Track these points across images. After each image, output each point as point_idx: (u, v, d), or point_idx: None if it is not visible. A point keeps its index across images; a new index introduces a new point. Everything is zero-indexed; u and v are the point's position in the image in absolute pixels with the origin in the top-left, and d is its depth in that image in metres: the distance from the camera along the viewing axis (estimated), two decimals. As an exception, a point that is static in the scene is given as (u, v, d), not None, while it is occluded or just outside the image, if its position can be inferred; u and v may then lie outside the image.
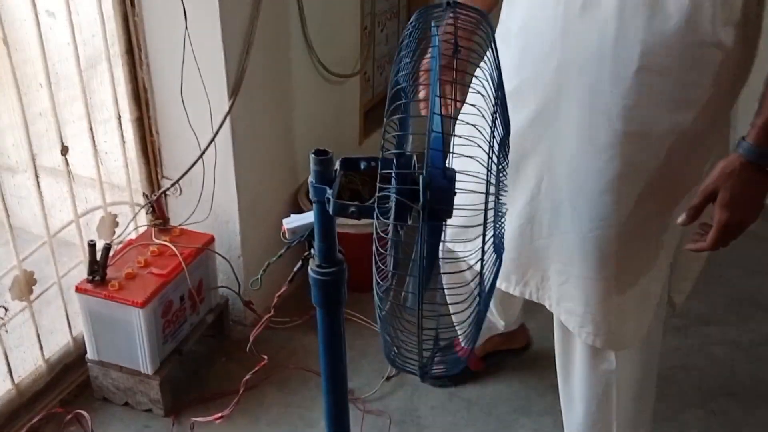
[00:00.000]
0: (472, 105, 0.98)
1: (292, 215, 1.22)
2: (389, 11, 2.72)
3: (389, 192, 0.98)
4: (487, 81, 1.03)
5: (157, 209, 1.96)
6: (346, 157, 1.17)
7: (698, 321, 2.22)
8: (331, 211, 1.10)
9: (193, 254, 1.92)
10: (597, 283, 1.39)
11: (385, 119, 1.06)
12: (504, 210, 1.03)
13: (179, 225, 1.99)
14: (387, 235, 1.13)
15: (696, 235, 1.27)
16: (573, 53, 1.28)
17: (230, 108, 1.86)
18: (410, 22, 1.13)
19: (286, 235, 1.20)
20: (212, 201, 1.98)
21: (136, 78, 1.91)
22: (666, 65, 1.22)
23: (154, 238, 1.94)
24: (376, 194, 0.98)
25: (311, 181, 1.14)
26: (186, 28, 1.75)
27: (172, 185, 1.91)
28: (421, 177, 0.91)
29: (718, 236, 1.21)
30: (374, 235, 1.01)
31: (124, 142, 1.95)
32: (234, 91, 1.86)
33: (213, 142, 1.88)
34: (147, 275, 1.83)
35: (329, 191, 1.11)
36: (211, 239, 1.99)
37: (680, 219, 1.25)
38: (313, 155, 1.12)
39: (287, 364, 2.04)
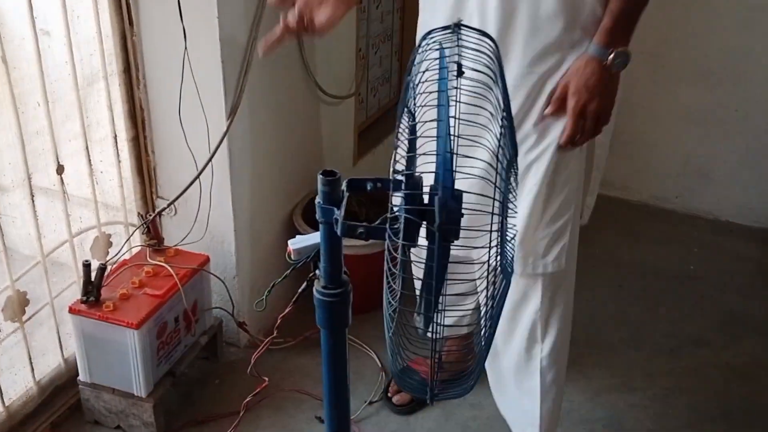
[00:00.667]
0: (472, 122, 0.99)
1: (297, 236, 1.21)
2: (383, 33, 2.74)
3: (398, 212, 0.98)
4: (491, 103, 1.04)
5: (152, 229, 1.94)
6: (352, 178, 1.16)
7: (691, 343, 2.23)
8: (339, 232, 1.09)
9: (189, 275, 1.90)
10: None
11: (395, 140, 1.06)
12: (513, 234, 1.03)
13: (174, 245, 1.97)
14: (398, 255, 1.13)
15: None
16: None
17: (228, 128, 1.85)
18: (418, 45, 1.14)
19: (292, 256, 1.19)
20: (208, 221, 1.97)
21: (132, 97, 1.90)
22: None
23: (148, 259, 1.92)
24: (387, 215, 0.98)
25: (318, 202, 1.13)
26: (185, 48, 1.75)
27: (169, 205, 1.89)
28: (436, 198, 0.90)
29: (574, 120, 1.43)
30: (386, 255, 1.01)
31: (119, 161, 1.93)
32: (232, 111, 1.85)
33: (210, 162, 1.87)
34: (142, 296, 1.81)
35: (337, 212, 1.11)
36: (207, 260, 1.97)
37: (547, 110, 1.45)
38: (321, 176, 1.12)
39: (283, 386, 2.02)
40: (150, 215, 1.93)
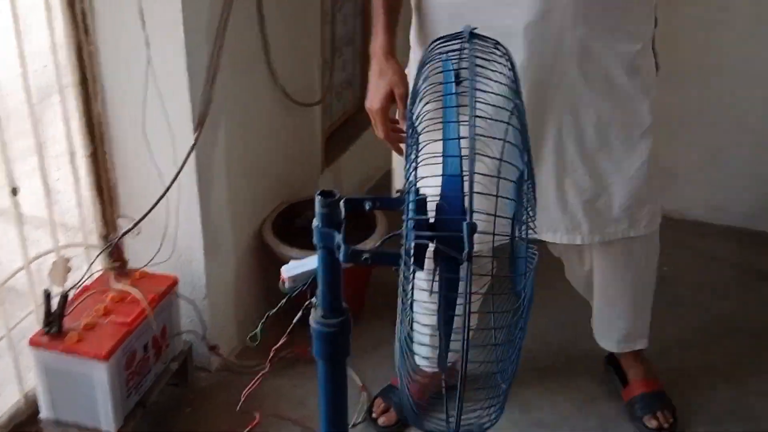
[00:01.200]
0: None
1: (291, 261, 1.12)
2: (346, 37, 2.65)
3: (413, 238, 0.90)
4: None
5: (115, 251, 1.81)
6: (349, 198, 1.07)
7: (676, 345, 2.20)
8: (342, 258, 1.00)
9: (157, 299, 1.78)
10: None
11: (405, 159, 0.98)
12: (534, 258, 0.96)
13: (140, 268, 1.85)
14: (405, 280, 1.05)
15: None
16: None
17: (196, 140, 1.74)
18: (424, 56, 1.06)
19: (286, 285, 1.10)
20: (175, 240, 1.85)
21: (90, 111, 1.77)
22: None
23: (112, 283, 1.80)
24: (407, 244, 0.89)
25: (317, 225, 1.04)
26: (149, 57, 1.64)
27: (136, 224, 1.77)
28: (465, 225, 0.82)
29: None
30: (400, 285, 0.92)
31: (77, 179, 1.80)
32: (200, 123, 1.74)
33: (177, 177, 1.76)
34: (108, 325, 1.69)
35: (338, 236, 1.02)
36: (175, 281, 1.85)
37: None
38: (319, 197, 1.03)
39: (259, 411, 1.92)
40: (113, 236, 1.81)
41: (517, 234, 0.97)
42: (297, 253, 1.99)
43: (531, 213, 0.97)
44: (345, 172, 2.68)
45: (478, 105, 0.89)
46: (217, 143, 1.85)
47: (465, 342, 0.82)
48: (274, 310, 1.14)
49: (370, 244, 1.99)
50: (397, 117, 1.51)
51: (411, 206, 0.95)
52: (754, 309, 2.37)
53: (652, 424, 1.85)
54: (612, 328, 1.92)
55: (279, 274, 2.23)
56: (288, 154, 2.25)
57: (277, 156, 2.18)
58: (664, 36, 2.62)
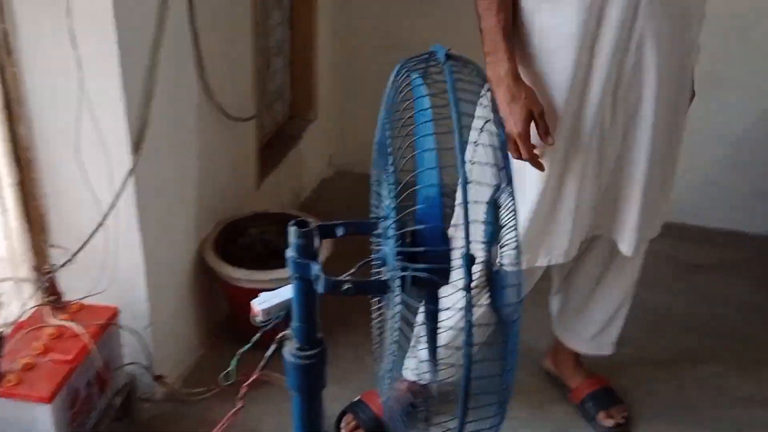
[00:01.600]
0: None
1: (261, 294, 1.07)
2: (276, 47, 2.60)
3: (409, 270, 0.87)
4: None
5: (49, 284, 1.71)
6: (321, 224, 1.04)
7: (618, 342, 2.25)
8: (321, 290, 0.97)
9: (98, 332, 1.69)
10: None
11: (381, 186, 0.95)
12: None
13: (78, 299, 1.75)
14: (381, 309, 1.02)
15: None
16: None
17: (135, 164, 1.66)
18: (394, 74, 1.03)
19: (259, 318, 1.05)
20: (114, 268, 1.76)
21: (15, 136, 1.66)
22: None
23: (49, 319, 1.69)
24: (404, 272, 0.86)
25: (291, 256, 1.00)
26: (81, 79, 1.55)
27: (75, 254, 1.67)
28: (464, 256, 0.80)
29: None
30: (395, 309, 0.90)
31: (5, 209, 1.69)
32: (137, 145, 1.66)
33: (116, 203, 1.67)
34: (48, 363, 1.59)
35: (315, 267, 0.98)
36: (116, 312, 1.76)
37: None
38: (294, 227, 0.99)
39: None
40: (46, 268, 1.70)
41: (498, 258, 0.96)
42: (243, 273, 1.93)
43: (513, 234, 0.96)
44: (282, 187, 2.63)
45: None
46: (156, 165, 1.77)
47: (468, 359, 0.80)
48: (247, 347, 1.09)
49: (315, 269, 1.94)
50: (534, 134, 1.47)
51: (393, 234, 0.93)
52: (689, 301, 2.46)
53: (609, 423, 1.89)
54: (589, 328, 1.93)
55: (224, 294, 2.16)
56: (223, 171, 2.18)
57: (213, 173, 2.11)
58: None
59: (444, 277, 0.93)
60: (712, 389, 2.10)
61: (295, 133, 2.75)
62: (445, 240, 0.93)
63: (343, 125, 3.06)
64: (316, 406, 1.11)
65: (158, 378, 1.88)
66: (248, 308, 2.07)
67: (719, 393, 2.09)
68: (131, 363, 1.85)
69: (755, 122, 2.68)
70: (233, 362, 1.09)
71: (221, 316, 2.22)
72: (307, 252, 0.99)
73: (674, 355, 2.24)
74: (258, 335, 1.07)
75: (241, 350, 1.09)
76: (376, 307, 1.17)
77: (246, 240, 2.04)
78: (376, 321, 1.12)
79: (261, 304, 1.06)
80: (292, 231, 0.99)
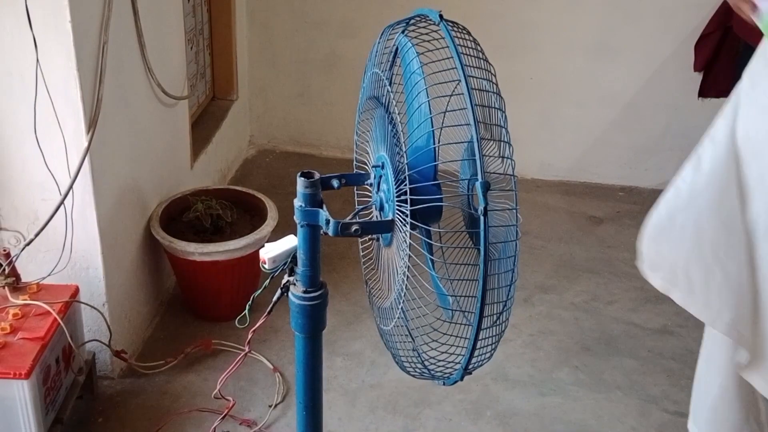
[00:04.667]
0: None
1: (266, 244, 1.17)
2: (195, 28, 2.63)
3: (408, 205, 1.00)
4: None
5: (8, 267, 1.71)
6: (321, 177, 1.15)
7: (539, 290, 2.47)
8: (332, 232, 1.08)
9: (63, 309, 1.71)
10: None
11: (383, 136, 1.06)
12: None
13: (36, 280, 1.76)
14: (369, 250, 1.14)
15: None
16: None
17: (90, 142, 1.69)
18: (380, 36, 1.15)
19: (266, 265, 1.15)
20: (71, 247, 1.78)
21: (-36, 120, 1.66)
22: None
23: (11, 299, 1.70)
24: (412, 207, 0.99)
25: (300, 206, 1.11)
26: (37, 59, 1.56)
27: (37, 234, 1.68)
28: (478, 183, 0.94)
29: None
30: (407, 249, 1.02)
31: (-44, 194, 1.68)
32: (92, 124, 1.69)
33: (72, 183, 1.69)
34: (20, 341, 1.61)
35: (324, 213, 1.09)
36: (77, 290, 1.79)
37: None
38: (302, 178, 1.09)
39: (177, 409, 1.91)
40: (6, 250, 1.71)
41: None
42: (196, 247, 1.99)
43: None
44: (213, 165, 2.68)
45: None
46: (107, 144, 1.80)
47: (482, 287, 0.94)
48: (259, 291, 1.18)
49: (266, 229, 2.03)
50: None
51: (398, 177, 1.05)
52: (592, 249, 2.72)
53: None
54: None
55: (174, 269, 2.20)
56: (163, 149, 2.22)
57: (156, 152, 2.15)
58: (494, 15, 2.90)
59: (438, 213, 1.07)
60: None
61: (218, 114, 2.80)
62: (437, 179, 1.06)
63: (262, 105, 3.13)
64: (318, 345, 1.22)
65: (118, 353, 1.92)
66: (202, 280, 2.14)
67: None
68: (93, 340, 1.87)
69: (643, 86, 2.96)
70: (248, 306, 1.18)
71: (169, 291, 2.26)
72: (315, 201, 1.10)
73: (588, 298, 2.46)
74: (268, 281, 1.16)
75: (255, 294, 1.18)
76: (364, 253, 1.30)
77: (192, 215, 2.09)
78: (366, 262, 1.24)
79: (267, 253, 1.15)
80: (300, 182, 1.09)
